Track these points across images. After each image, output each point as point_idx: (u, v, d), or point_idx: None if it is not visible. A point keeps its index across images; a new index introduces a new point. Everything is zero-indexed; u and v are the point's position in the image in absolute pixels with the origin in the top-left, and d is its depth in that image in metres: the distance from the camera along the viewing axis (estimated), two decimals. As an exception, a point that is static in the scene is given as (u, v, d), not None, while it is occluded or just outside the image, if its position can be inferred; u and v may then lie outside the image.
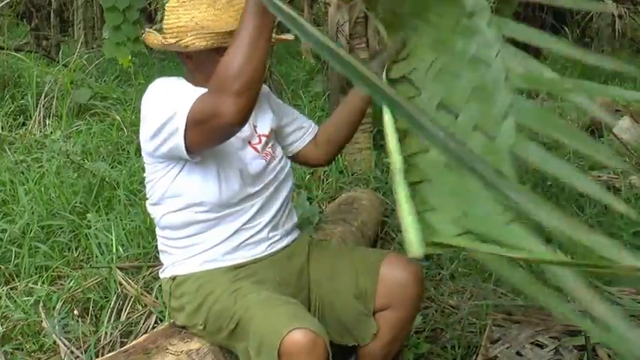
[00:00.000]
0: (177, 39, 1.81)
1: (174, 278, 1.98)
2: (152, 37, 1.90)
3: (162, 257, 2.06)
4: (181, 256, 1.97)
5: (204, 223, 1.90)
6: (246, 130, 1.95)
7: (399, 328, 1.97)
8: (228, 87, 1.51)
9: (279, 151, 2.06)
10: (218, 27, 1.78)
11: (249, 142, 1.98)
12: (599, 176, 3.83)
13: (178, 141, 1.68)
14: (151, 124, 1.75)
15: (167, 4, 1.87)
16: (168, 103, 1.70)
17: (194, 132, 1.65)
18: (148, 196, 2.00)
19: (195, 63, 1.87)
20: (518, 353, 2.37)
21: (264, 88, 2.11)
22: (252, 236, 1.96)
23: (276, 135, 2.10)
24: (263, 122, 2.04)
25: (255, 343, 1.65)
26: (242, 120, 1.57)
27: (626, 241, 2.99)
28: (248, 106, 1.55)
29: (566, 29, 10.28)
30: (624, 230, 3.03)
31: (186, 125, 1.64)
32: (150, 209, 2.01)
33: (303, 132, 2.16)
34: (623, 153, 4.19)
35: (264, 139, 2.01)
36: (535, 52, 8.64)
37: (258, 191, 1.94)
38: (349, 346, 2.01)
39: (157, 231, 2.04)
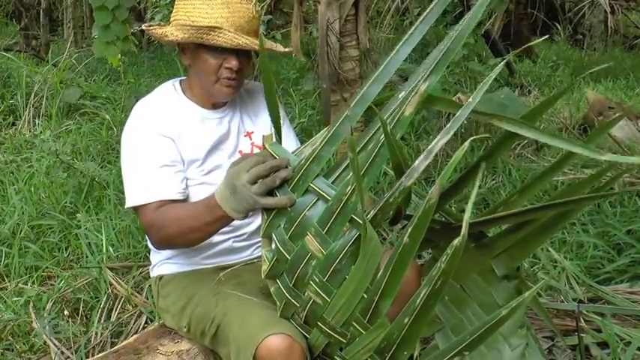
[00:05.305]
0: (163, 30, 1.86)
1: (161, 277, 1.98)
2: (151, 29, 1.92)
3: (151, 255, 2.05)
4: (167, 255, 1.96)
5: None
6: (233, 142, 1.93)
7: None
8: (160, 240, 1.77)
9: None
10: (205, 23, 1.78)
11: (241, 152, 1.95)
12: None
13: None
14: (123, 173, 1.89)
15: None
16: (133, 173, 1.83)
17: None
18: None
19: (189, 57, 1.88)
20: (511, 352, 2.36)
21: (258, 87, 2.08)
22: (235, 242, 1.94)
23: None
24: (258, 129, 1.99)
25: (234, 350, 1.63)
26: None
27: (619, 238, 2.98)
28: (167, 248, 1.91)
29: (558, 26, 10.29)
30: (617, 229, 3.01)
31: (139, 206, 1.82)
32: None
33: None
34: (616, 151, 4.17)
35: (256, 150, 1.96)
36: (527, 52, 8.67)
37: None
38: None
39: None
